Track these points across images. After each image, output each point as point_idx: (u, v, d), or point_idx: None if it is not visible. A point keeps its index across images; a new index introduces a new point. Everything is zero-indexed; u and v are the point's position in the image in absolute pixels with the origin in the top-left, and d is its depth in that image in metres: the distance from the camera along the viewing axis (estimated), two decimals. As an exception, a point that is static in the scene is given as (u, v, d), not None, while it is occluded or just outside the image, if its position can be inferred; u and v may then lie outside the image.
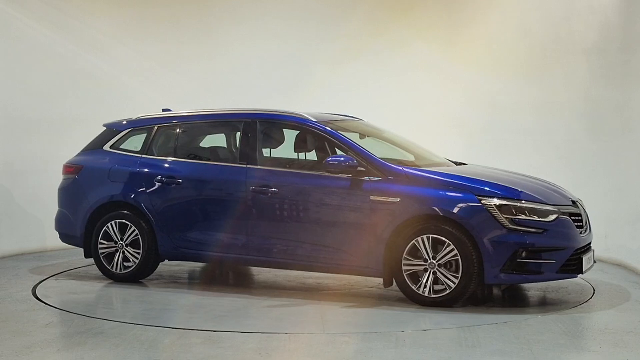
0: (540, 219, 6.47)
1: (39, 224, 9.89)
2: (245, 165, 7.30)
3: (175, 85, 10.94)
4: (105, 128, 8.36)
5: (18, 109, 9.80)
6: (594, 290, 7.32)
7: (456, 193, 6.55)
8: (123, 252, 7.74)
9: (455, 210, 6.48)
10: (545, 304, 6.82)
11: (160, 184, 7.60)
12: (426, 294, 6.56)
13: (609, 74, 9.02)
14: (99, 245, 7.82)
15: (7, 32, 9.72)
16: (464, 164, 7.77)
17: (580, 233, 6.77)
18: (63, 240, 8.31)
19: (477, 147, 10.10)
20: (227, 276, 8.37)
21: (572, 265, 6.61)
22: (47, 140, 10.01)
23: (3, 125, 9.66)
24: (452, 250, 6.46)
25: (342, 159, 6.81)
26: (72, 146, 10.15)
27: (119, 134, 8.14)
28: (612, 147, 8.99)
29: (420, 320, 6.19)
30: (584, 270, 6.66)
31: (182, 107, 10.20)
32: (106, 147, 8.14)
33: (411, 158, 7.57)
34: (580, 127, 9.45)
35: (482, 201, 6.45)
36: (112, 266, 7.78)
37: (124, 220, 7.71)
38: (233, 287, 7.64)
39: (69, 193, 8.14)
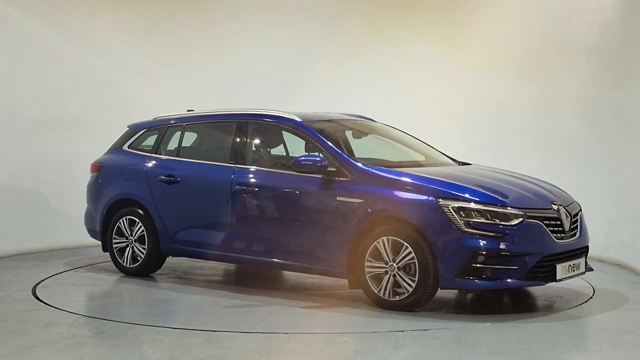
0: (502, 223, 6.21)
1: (38, 224, 9.89)
2: (233, 165, 7.41)
3: (175, 85, 10.93)
4: (128, 129, 8.65)
5: (18, 109, 9.79)
6: (594, 290, 7.32)
7: (416, 194, 6.40)
8: (132, 248, 8.02)
9: (413, 212, 6.35)
10: (545, 305, 6.81)
11: (161, 182, 7.81)
12: (386, 297, 6.45)
13: (609, 74, 9.02)
14: (113, 240, 8.14)
15: (7, 32, 9.71)
16: (468, 164, 7.76)
17: (560, 239, 6.48)
18: (91, 236, 8.64)
19: (477, 147, 10.09)
20: (231, 275, 8.37)
21: (542, 272, 6.32)
22: (46, 140, 10.00)
23: (2, 125, 9.65)
24: (410, 253, 6.31)
25: (314, 159, 6.79)
26: (72, 146, 10.18)
27: (136, 134, 8.43)
28: (612, 147, 8.99)
29: (420, 320, 6.19)
30: (558, 278, 6.36)
31: (183, 107, 10.23)
32: (125, 147, 8.45)
33: (412, 157, 7.56)
34: (580, 127, 9.44)
35: (440, 203, 6.27)
36: (123, 260, 8.07)
37: (132, 217, 8.01)
38: (234, 286, 7.64)
39: (92, 190, 8.54)
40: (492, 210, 6.25)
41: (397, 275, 6.38)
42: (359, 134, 7.86)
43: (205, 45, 10.98)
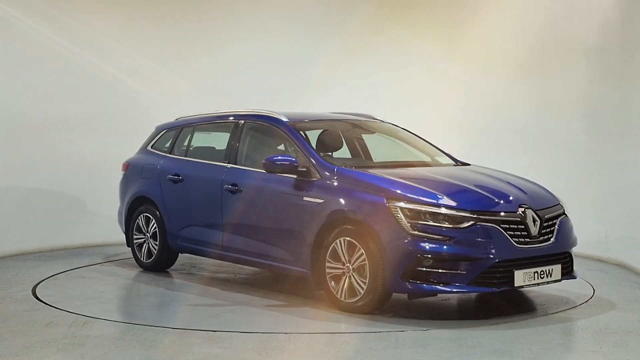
0: (450, 226, 6.01)
1: (38, 224, 9.89)
2: (226, 165, 7.54)
3: (175, 85, 10.93)
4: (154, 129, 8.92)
5: (17, 109, 9.78)
6: (594, 290, 7.32)
7: (370, 195, 6.29)
8: (148, 244, 8.34)
9: (364, 213, 6.24)
10: (545, 304, 6.80)
11: (169, 181, 8.06)
12: (342, 299, 6.38)
13: (609, 74, 9.02)
14: (134, 236, 8.51)
15: (7, 32, 9.71)
16: (467, 164, 7.73)
17: (523, 243, 6.18)
18: (123, 232, 8.81)
19: (477, 147, 10.09)
20: (240, 274, 8.37)
21: (497, 278, 6.05)
22: (46, 140, 10.00)
23: (2, 125, 9.65)
24: (362, 254, 6.21)
25: (287, 158, 6.80)
26: (72, 146, 10.18)
27: (159, 135, 8.69)
28: (612, 147, 8.99)
29: (420, 320, 6.19)
30: (516, 285, 6.09)
31: (182, 108, 10.25)
32: (149, 147, 8.74)
33: (407, 157, 7.55)
34: (580, 127, 9.44)
35: (389, 204, 6.14)
36: (141, 256, 8.43)
37: (148, 214, 8.32)
38: (237, 285, 7.64)
39: (120, 188, 8.86)
40: (440, 213, 6.07)
41: (352, 277, 6.33)
42: (357, 133, 7.85)
43: (206, 45, 10.98)
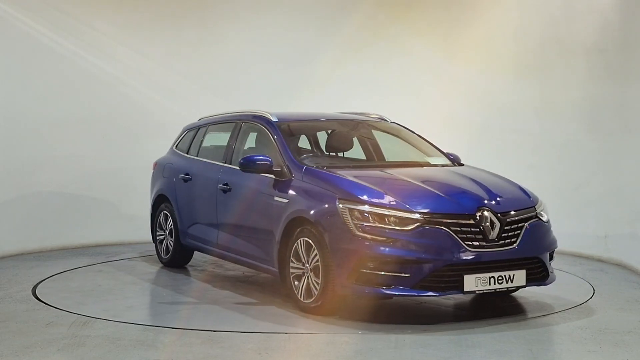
0: (395, 227, 5.88)
1: (39, 224, 9.89)
2: (223, 165, 7.70)
3: (176, 86, 10.93)
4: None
5: (18, 110, 9.78)
6: (594, 290, 7.32)
7: (324, 196, 6.26)
8: (167, 240, 8.61)
9: (317, 213, 6.21)
10: (544, 305, 6.80)
11: (181, 180, 8.31)
12: (301, 299, 6.37)
13: (609, 74, 9.02)
14: (157, 233, 8.80)
15: (7, 32, 9.71)
16: (462, 164, 7.70)
17: (479, 247, 5.95)
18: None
19: (477, 147, 10.09)
20: (243, 273, 8.38)
21: (443, 282, 5.87)
22: (46, 140, 10.00)
23: (2, 125, 9.65)
24: (316, 255, 6.18)
25: (262, 158, 6.84)
26: (71, 146, 10.18)
27: (182, 135, 8.90)
28: (612, 147, 8.99)
29: (420, 320, 6.19)
30: (466, 289, 5.88)
31: (182, 107, 10.22)
32: (174, 147, 8.95)
33: (400, 156, 7.55)
34: (580, 127, 9.44)
35: (339, 205, 6.07)
36: (161, 251, 8.73)
37: (166, 212, 8.60)
38: (235, 285, 7.64)
39: (150, 186, 9.10)
40: (386, 214, 5.96)
41: (310, 278, 6.31)
42: (353, 132, 7.84)
43: (206, 45, 10.98)
